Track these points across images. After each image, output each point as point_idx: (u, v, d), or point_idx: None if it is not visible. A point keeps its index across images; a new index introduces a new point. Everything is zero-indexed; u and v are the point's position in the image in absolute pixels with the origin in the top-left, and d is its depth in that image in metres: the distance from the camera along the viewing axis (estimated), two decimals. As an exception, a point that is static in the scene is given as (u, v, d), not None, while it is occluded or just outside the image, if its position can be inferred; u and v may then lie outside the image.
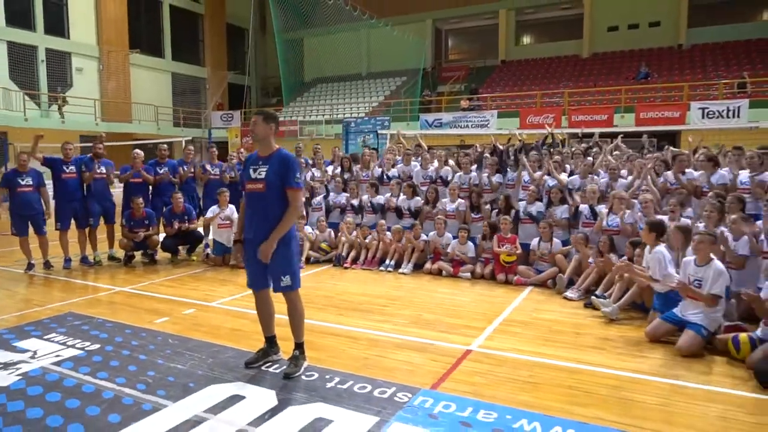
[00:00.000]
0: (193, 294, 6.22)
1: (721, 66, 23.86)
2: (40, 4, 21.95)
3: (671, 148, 8.98)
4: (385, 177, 9.00)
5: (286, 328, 3.99)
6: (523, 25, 31.87)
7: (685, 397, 3.49)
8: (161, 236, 8.19)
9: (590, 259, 6.26)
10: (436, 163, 8.85)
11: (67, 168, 7.58)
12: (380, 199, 8.43)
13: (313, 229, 8.33)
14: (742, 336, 4.13)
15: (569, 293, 6.04)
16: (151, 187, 8.50)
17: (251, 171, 3.83)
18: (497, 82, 28.35)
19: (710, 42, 26.11)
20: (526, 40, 32.37)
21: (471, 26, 33.45)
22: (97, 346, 4.46)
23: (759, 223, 5.07)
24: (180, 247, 8.36)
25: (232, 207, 7.98)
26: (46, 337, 4.70)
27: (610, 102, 22.29)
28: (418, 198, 8.27)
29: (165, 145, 8.89)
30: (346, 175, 9.19)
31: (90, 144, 9.24)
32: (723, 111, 19.65)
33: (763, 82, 20.74)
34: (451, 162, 8.93)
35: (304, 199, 8.69)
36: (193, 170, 8.75)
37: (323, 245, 8.21)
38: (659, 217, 5.84)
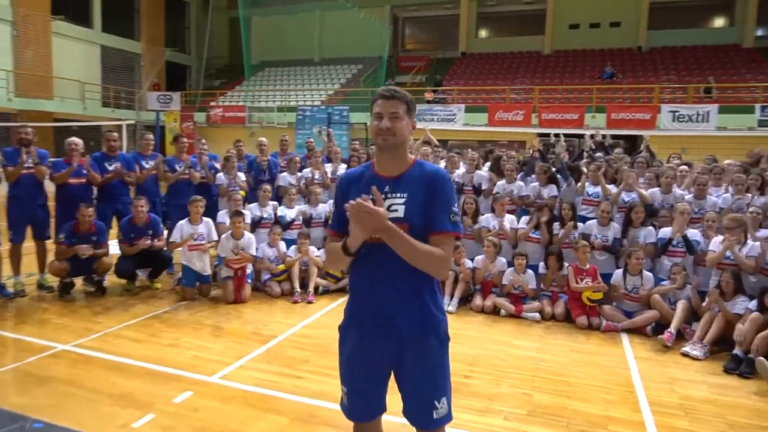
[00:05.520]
0: (175, 356, 4.25)
1: (683, 70, 23.84)
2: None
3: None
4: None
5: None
6: (483, 18, 30.83)
7: None
8: (113, 256, 6.06)
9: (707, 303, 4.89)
10: (463, 167, 7.25)
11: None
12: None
13: (318, 250, 6.48)
14: None
15: (691, 349, 4.63)
16: (96, 190, 6.35)
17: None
18: (460, 75, 27.15)
19: (669, 45, 26.16)
20: (487, 32, 31.39)
21: (430, 15, 32.05)
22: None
23: None
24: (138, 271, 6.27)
25: (207, 222, 5.99)
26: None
27: (580, 101, 21.66)
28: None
29: (115, 133, 6.68)
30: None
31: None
32: (693, 115, 19.38)
33: (728, 88, 20.72)
34: (485, 167, 7.37)
35: (302, 209, 6.83)
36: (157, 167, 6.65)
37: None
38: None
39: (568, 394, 3.81)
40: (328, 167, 7.76)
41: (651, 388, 3.94)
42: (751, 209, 5.28)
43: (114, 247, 6.17)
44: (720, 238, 5.15)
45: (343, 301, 5.97)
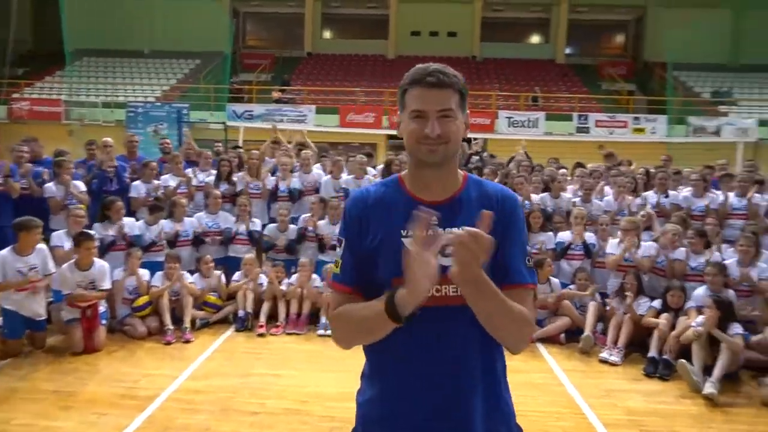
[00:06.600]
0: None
1: (512, 80, 26.16)
2: None
3: None
4: (279, 190, 6.44)
5: None
6: (328, 18, 30.57)
7: None
8: None
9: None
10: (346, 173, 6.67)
11: None
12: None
13: (192, 275, 5.36)
14: None
15: (608, 355, 4.61)
16: None
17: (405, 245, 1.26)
18: (307, 75, 26.54)
19: (498, 57, 28.54)
20: (332, 34, 31.20)
21: (272, 12, 30.83)
22: None
23: None
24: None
25: (40, 249, 4.56)
26: None
27: (427, 105, 22.52)
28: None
29: None
30: (224, 188, 6.31)
31: None
32: (525, 121, 21.31)
33: (551, 98, 23.23)
34: (372, 171, 6.85)
35: (168, 226, 5.62)
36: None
37: (211, 298, 5.33)
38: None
39: (523, 426, 3.43)
40: (188, 173, 6.56)
41: (595, 405, 3.76)
42: (642, 213, 5.53)
43: None
44: (616, 240, 5.29)
45: (230, 335, 4.98)
